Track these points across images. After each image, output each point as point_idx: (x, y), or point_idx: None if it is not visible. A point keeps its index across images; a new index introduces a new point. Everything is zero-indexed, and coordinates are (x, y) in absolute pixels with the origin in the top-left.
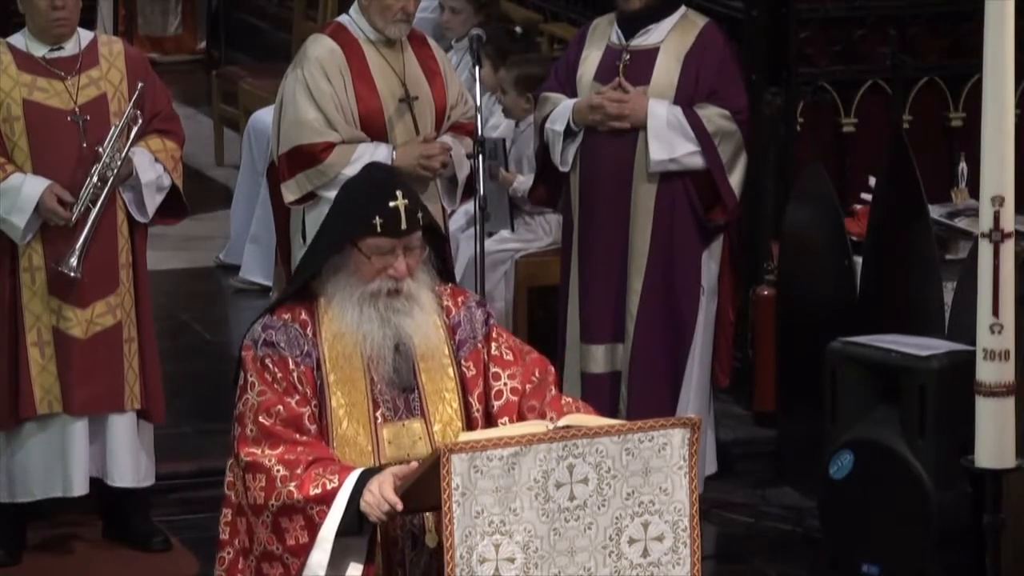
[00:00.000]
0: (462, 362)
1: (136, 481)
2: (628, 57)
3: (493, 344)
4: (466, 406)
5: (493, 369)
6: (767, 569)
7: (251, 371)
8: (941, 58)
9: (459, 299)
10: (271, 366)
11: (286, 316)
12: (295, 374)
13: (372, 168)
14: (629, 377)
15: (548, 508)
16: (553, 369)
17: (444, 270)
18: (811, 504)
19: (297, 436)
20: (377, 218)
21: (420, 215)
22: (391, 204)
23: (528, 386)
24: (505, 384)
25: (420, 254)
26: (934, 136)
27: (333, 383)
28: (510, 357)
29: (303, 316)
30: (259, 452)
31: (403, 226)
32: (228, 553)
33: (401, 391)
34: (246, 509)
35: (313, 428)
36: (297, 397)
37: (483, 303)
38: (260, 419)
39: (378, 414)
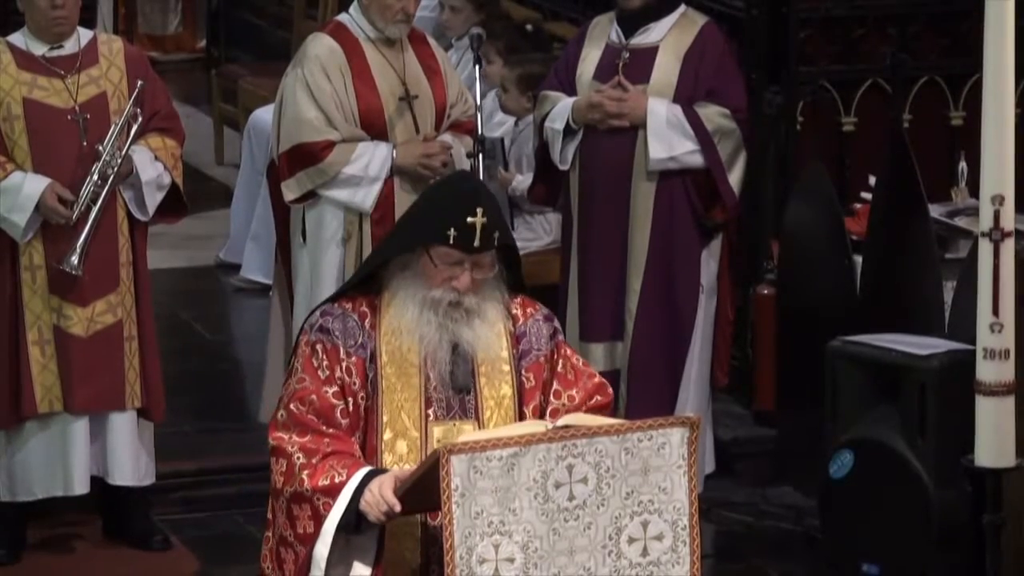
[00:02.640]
0: (522, 372)
1: (136, 480)
2: (627, 55)
3: (560, 362)
4: (520, 416)
5: (555, 387)
6: (767, 569)
7: (299, 356)
8: (941, 57)
9: (528, 310)
10: (320, 352)
11: (347, 306)
12: (344, 364)
13: (463, 177)
14: (628, 376)
15: (547, 508)
16: (612, 393)
17: (516, 282)
18: (811, 504)
19: (324, 428)
20: (452, 230)
21: (497, 235)
22: (469, 219)
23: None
24: (563, 404)
25: (488, 271)
26: (934, 136)
27: (387, 376)
28: (572, 377)
29: (363, 308)
30: (286, 438)
31: (476, 243)
32: (272, 534)
33: (456, 392)
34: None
35: (345, 422)
36: (335, 388)
37: (551, 317)
38: (292, 406)
39: (429, 411)
